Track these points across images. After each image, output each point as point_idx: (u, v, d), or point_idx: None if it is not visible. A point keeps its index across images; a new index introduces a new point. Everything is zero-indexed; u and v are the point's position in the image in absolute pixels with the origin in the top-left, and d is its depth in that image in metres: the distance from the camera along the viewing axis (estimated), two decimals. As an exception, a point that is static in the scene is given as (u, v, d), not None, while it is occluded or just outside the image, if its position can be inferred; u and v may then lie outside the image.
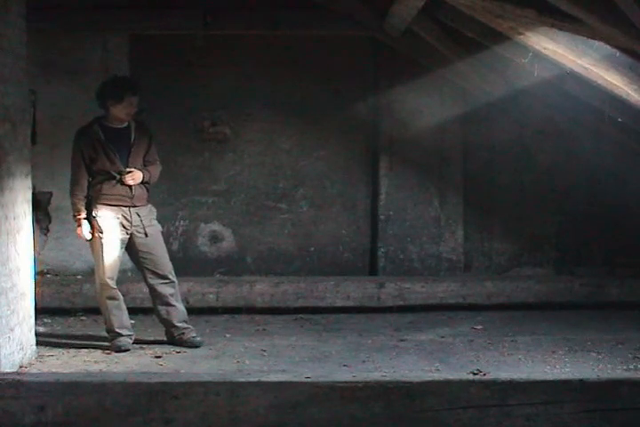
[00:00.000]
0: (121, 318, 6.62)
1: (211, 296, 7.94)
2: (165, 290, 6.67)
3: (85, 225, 6.55)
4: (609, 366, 6.17)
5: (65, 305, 7.79)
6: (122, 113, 6.52)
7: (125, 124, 6.60)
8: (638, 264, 8.52)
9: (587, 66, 5.93)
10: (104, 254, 6.52)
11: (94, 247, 6.58)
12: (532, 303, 8.11)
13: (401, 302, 8.07)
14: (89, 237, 6.57)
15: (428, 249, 8.77)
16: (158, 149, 6.83)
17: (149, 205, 6.73)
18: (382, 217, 8.74)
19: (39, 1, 6.70)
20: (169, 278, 6.69)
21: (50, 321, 7.50)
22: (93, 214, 6.54)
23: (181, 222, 8.75)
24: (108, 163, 6.51)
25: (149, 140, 6.68)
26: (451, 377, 5.03)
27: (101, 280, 6.56)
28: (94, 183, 6.57)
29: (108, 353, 6.48)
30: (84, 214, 6.56)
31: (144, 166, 6.63)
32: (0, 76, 5.64)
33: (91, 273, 7.95)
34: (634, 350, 6.57)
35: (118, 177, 6.50)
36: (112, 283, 6.57)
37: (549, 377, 5.17)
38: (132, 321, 6.87)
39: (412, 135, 8.63)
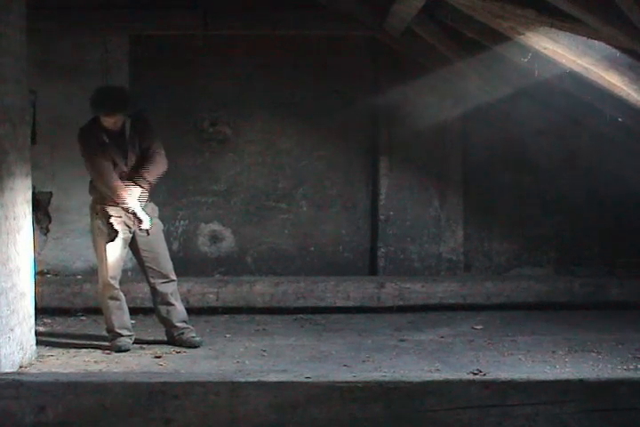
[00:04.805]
0: (122, 319, 6.62)
1: (211, 296, 7.93)
2: (166, 289, 6.67)
3: (142, 212, 6.49)
4: (609, 366, 6.17)
5: (65, 305, 7.78)
6: (105, 122, 6.47)
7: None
8: (638, 264, 8.51)
9: (587, 66, 5.93)
10: (107, 254, 6.50)
11: (97, 247, 6.58)
12: (531, 303, 8.11)
13: (401, 302, 8.07)
14: (149, 225, 6.53)
15: (428, 249, 8.77)
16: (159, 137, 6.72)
17: (151, 203, 6.72)
18: (382, 217, 8.73)
19: (39, 1, 6.70)
20: (169, 277, 6.69)
21: (50, 321, 7.50)
22: (96, 212, 6.54)
23: (181, 222, 8.75)
24: (111, 165, 6.50)
25: (143, 132, 6.56)
26: (451, 377, 5.04)
27: (104, 280, 6.55)
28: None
29: (108, 353, 6.48)
30: (134, 203, 6.47)
31: (142, 158, 6.54)
32: (0, 76, 5.64)
33: (91, 273, 7.97)
34: (634, 350, 6.57)
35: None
36: (115, 283, 6.56)
37: (549, 377, 5.17)
38: (132, 321, 6.87)
39: (411, 135, 8.63)
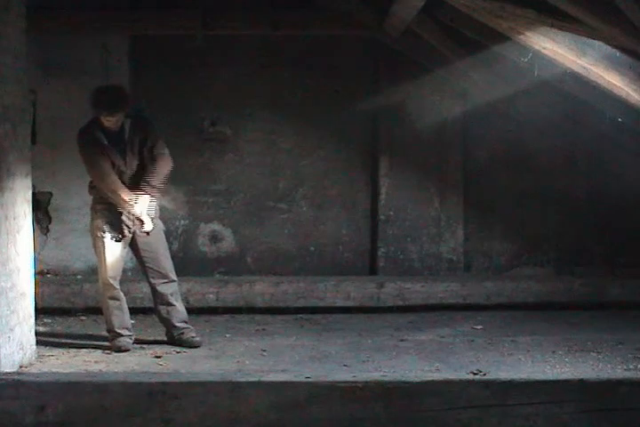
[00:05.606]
0: (122, 319, 6.61)
1: (211, 296, 7.93)
2: (166, 289, 6.67)
3: (145, 215, 6.48)
4: (609, 366, 6.17)
5: (65, 305, 7.78)
6: (107, 122, 6.45)
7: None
8: (638, 264, 8.51)
9: (587, 66, 5.93)
10: (107, 254, 6.50)
11: (97, 247, 6.57)
12: (531, 303, 8.11)
13: (401, 302, 8.07)
14: (151, 227, 6.51)
15: (428, 249, 8.77)
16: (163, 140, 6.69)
17: (154, 203, 6.70)
18: (382, 217, 8.73)
19: (39, 1, 6.70)
20: (169, 277, 6.69)
21: (50, 321, 7.50)
22: (96, 211, 6.53)
23: (181, 222, 8.75)
24: (111, 166, 6.49)
25: (145, 132, 6.55)
26: (451, 377, 5.03)
27: (104, 280, 6.54)
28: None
29: (108, 353, 6.48)
30: (138, 206, 6.45)
31: (147, 161, 6.53)
32: (0, 76, 5.64)
33: (91, 273, 7.97)
34: (634, 350, 6.57)
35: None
36: (115, 283, 6.55)
37: (549, 377, 5.18)
38: (132, 321, 6.87)
39: (412, 135, 8.63)
